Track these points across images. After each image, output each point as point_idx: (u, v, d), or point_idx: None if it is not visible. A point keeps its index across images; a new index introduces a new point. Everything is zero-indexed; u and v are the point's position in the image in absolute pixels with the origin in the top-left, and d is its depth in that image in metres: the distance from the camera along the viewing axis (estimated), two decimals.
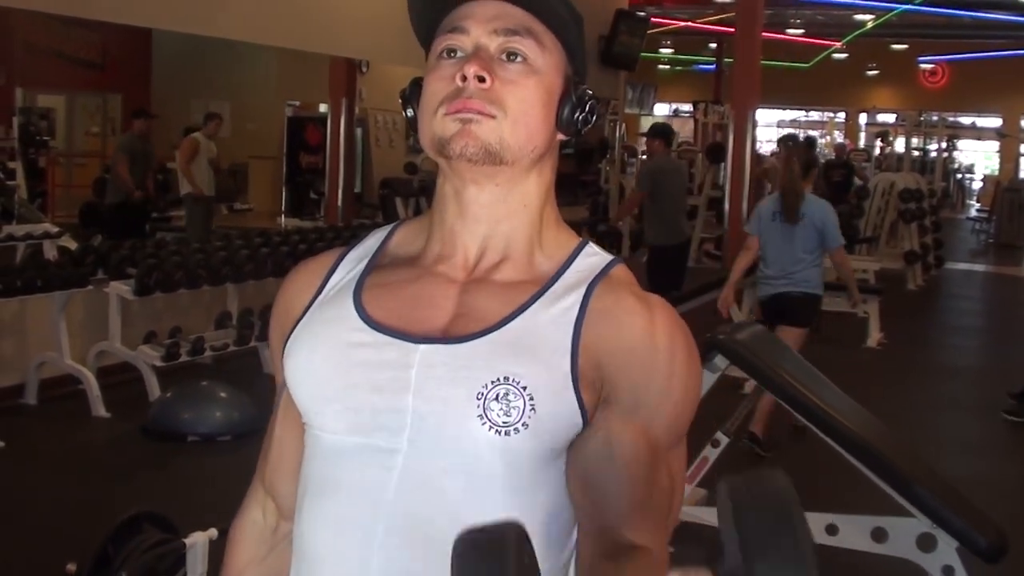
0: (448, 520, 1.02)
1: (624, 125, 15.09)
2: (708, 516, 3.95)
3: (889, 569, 3.67)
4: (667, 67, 26.58)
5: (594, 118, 1.14)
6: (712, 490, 4.16)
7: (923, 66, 25.98)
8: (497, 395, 1.02)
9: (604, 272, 1.11)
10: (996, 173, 24.59)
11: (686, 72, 26.72)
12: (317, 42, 7.75)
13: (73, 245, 6.61)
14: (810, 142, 14.23)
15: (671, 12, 20.15)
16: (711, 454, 3.94)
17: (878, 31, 21.11)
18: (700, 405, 3.76)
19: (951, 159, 21.04)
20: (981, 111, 25.80)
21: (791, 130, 19.61)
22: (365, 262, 1.16)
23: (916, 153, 16.61)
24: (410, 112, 1.14)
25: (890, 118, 22.77)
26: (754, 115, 9.77)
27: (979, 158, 26.81)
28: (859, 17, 20.58)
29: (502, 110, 1.07)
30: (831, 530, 3.56)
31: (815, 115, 28.60)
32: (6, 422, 5.35)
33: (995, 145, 25.68)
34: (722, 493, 0.83)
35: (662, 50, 25.01)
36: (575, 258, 1.13)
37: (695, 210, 13.87)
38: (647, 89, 16.71)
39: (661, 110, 24.06)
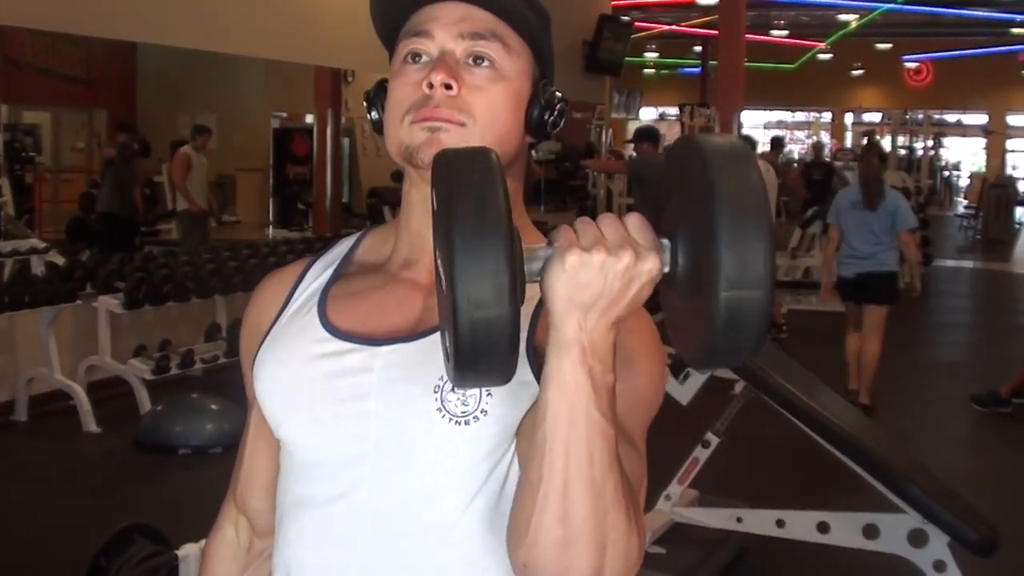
0: (421, 516, 1.02)
1: (611, 130, 15.11)
2: (702, 517, 3.97)
3: (881, 566, 3.68)
4: (653, 71, 26.66)
5: (563, 120, 1.13)
6: (704, 492, 4.17)
7: (908, 65, 26.10)
8: (453, 386, 1.01)
9: None
10: (983, 170, 24.71)
11: (672, 76, 26.81)
12: (302, 53, 7.75)
13: (61, 260, 6.59)
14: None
15: (655, 16, 20.21)
16: (701, 455, 3.95)
17: (862, 31, 21.21)
18: (691, 406, 3.72)
19: (937, 157, 21.10)
20: (966, 108, 25.92)
21: (777, 132, 19.63)
22: (331, 271, 1.16)
23: (902, 152, 16.65)
24: (375, 115, 1.13)
25: (876, 117, 22.89)
26: (739, 117, 9.78)
27: (966, 155, 26.94)
28: (843, 17, 20.68)
29: (471, 117, 1.06)
30: (823, 528, 3.57)
31: (801, 116, 28.70)
32: None
33: (982, 142, 25.80)
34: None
35: (647, 54, 25.10)
36: None
37: None
38: (633, 94, 16.70)
39: (648, 114, 24.10)
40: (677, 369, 3.97)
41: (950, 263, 14.85)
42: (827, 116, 27.94)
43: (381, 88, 1.13)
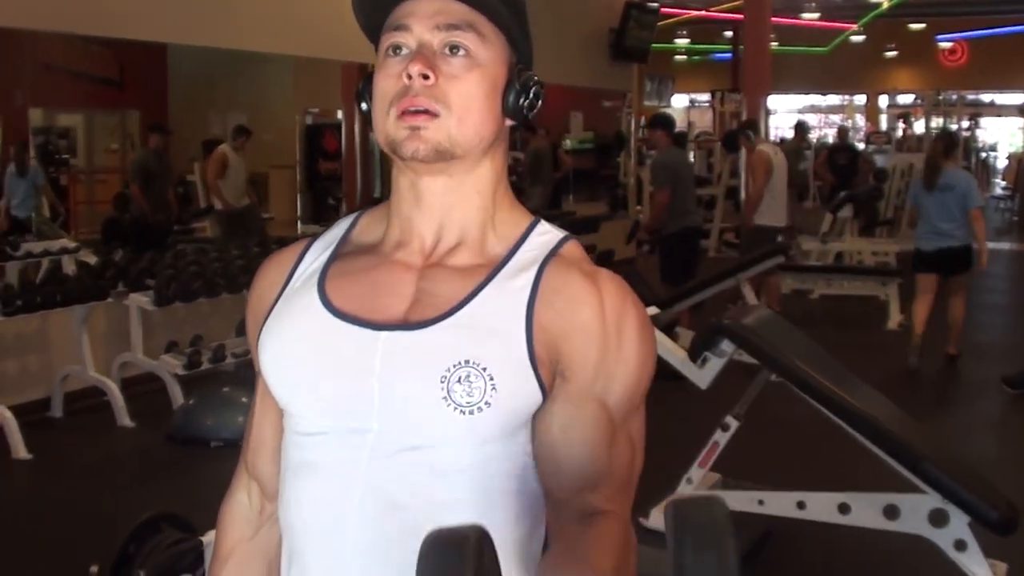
0: (417, 494, 1.09)
1: (644, 118, 15.07)
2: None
3: (902, 546, 3.68)
4: (684, 58, 26.49)
5: (539, 101, 1.19)
6: (725, 473, 4.19)
7: (942, 45, 25.74)
8: (459, 378, 1.07)
9: (555, 251, 1.16)
10: (1021, 150, 24.35)
11: (704, 62, 26.61)
12: (329, 49, 7.80)
13: (93, 260, 6.70)
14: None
15: (684, 1, 20.07)
16: (721, 438, 3.95)
17: (894, 11, 20.97)
18: (710, 389, 3.75)
19: (974, 138, 20.82)
20: (1003, 88, 25.53)
21: (809, 115, 19.47)
22: (330, 251, 1.22)
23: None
24: (364, 106, 1.20)
25: (910, 99, 22.63)
26: (766, 101, 9.75)
27: (1004, 136, 26.56)
28: None
29: (446, 107, 1.12)
30: (843, 509, 3.57)
31: (834, 99, 28.41)
32: (33, 435, 5.43)
33: (1019, 122, 25.43)
34: (667, 516, 0.87)
35: (678, 40, 24.93)
36: (527, 237, 1.17)
37: (713, 199, 13.83)
38: (665, 81, 16.63)
39: (680, 101, 23.99)
40: (695, 353, 3.99)
41: (987, 244, 14.63)
42: (861, 99, 27.64)
43: (369, 81, 1.19)
